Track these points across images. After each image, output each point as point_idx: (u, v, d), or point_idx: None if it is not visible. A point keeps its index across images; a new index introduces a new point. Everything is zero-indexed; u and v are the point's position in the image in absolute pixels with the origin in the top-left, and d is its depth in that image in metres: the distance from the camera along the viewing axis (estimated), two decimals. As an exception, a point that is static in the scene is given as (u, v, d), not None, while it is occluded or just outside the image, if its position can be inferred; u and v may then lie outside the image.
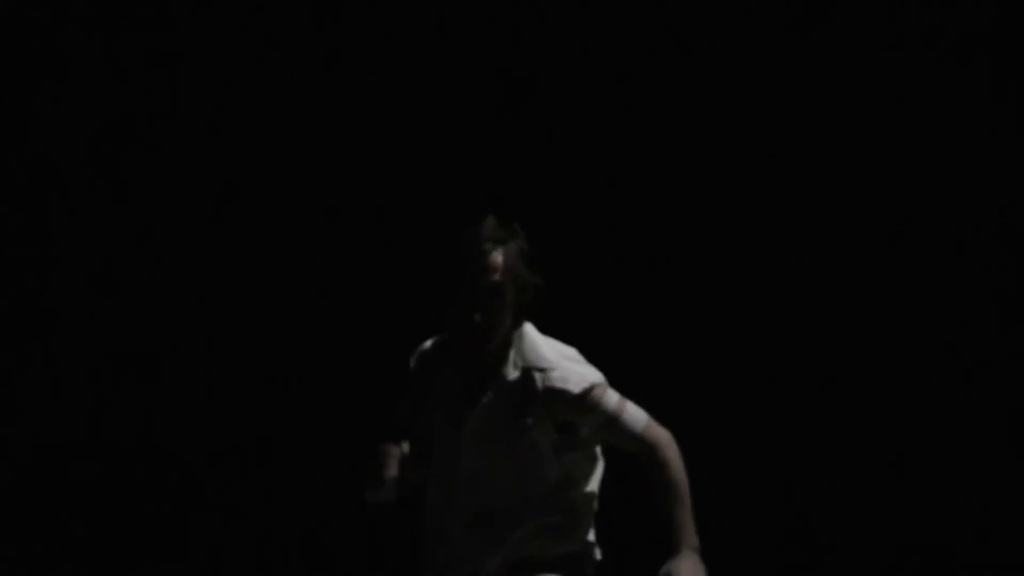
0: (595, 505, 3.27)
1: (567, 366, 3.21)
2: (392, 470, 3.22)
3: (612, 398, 3.18)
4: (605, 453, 3.29)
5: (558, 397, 3.17)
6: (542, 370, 3.20)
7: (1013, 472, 4.81)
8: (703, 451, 3.63)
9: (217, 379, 5.07)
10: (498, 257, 3.18)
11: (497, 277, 3.17)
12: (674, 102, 4.97)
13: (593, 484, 3.26)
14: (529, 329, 3.26)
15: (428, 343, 3.38)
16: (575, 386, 3.16)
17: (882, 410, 4.88)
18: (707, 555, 3.13)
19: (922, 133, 4.87)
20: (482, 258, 3.18)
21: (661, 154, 4.98)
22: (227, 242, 5.07)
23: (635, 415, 3.18)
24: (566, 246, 4.82)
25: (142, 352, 5.07)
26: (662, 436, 3.16)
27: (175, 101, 5.06)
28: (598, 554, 3.26)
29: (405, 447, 3.32)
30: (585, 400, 3.16)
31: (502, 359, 3.23)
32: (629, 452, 3.19)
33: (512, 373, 3.22)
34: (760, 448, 4.90)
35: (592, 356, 3.28)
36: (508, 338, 3.22)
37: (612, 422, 3.17)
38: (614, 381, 3.22)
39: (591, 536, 3.25)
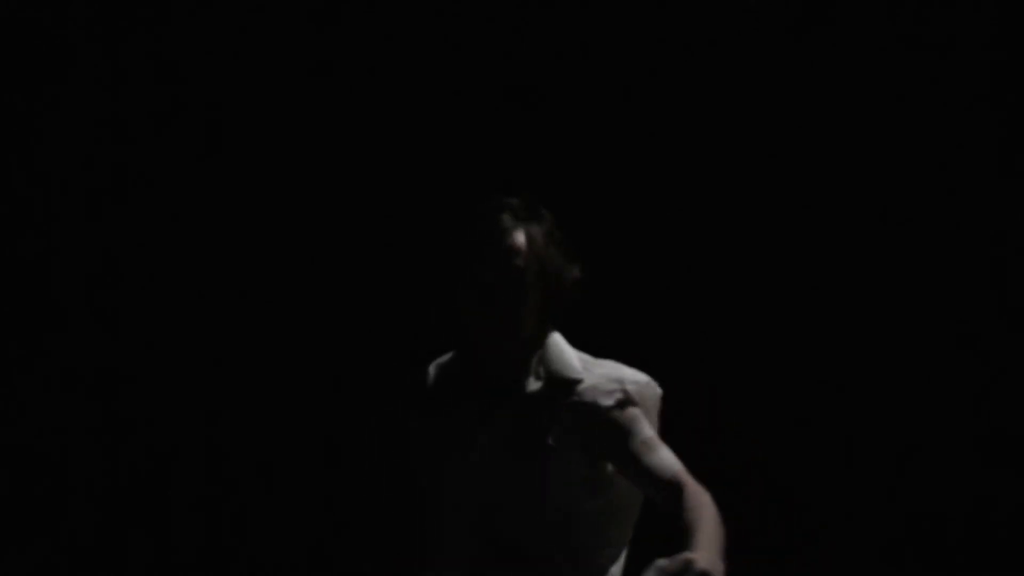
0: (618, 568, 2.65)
1: (601, 374, 2.61)
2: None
3: (646, 428, 2.56)
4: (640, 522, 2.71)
5: (588, 412, 2.56)
6: (571, 382, 2.60)
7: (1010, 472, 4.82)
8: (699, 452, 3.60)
9: (218, 380, 5.07)
10: (520, 237, 2.58)
11: (519, 261, 2.57)
12: (672, 102, 4.96)
13: (619, 545, 2.65)
14: (558, 338, 2.67)
15: (435, 367, 2.78)
16: (607, 398, 2.57)
17: (880, 412, 4.88)
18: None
19: (922, 133, 4.87)
20: (500, 237, 2.57)
21: (660, 154, 4.97)
22: (228, 242, 5.07)
23: (669, 456, 2.53)
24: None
25: (142, 352, 5.07)
26: (696, 485, 2.48)
27: (174, 101, 5.06)
28: None
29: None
30: (618, 417, 2.54)
31: (522, 368, 2.61)
32: (654, 498, 2.55)
33: (533, 384, 2.61)
34: (757, 450, 4.90)
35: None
36: (531, 343, 2.61)
37: (640, 452, 2.50)
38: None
39: None
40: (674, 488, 2.49)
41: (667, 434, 2.82)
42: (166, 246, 5.06)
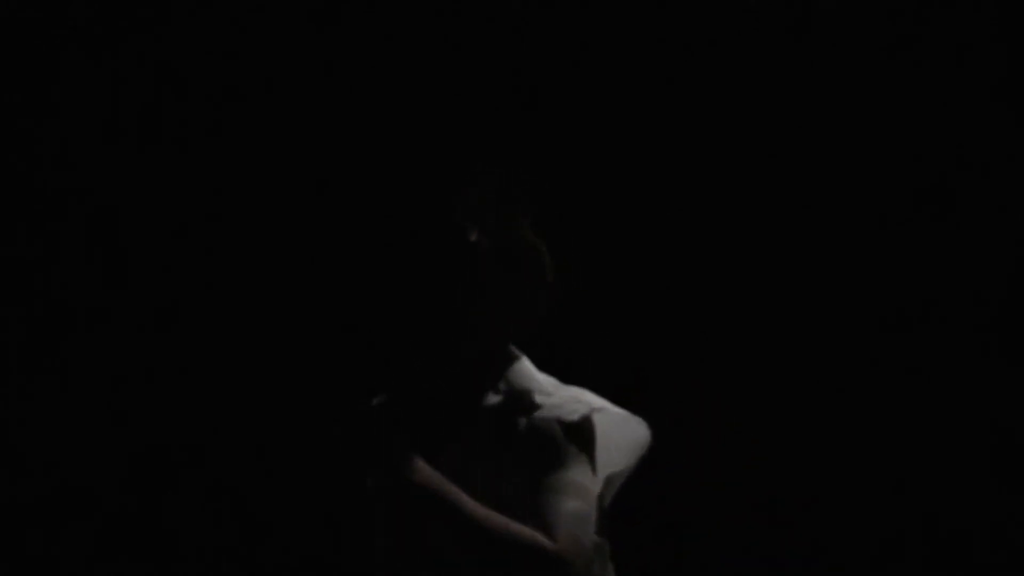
0: None
1: (569, 396, 2.27)
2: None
3: (577, 470, 2.15)
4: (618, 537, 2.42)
5: (543, 427, 2.20)
6: (533, 395, 2.26)
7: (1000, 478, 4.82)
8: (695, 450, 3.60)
9: (217, 379, 5.06)
10: (475, 231, 2.28)
11: (472, 253, 2.26)
12: (672, 102, 4.96)
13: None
14: (525, 361, 2.34)
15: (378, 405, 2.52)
16: (568, 415, 2.21)
17: (880, 413, 4.88)
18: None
19: (922, 133, 4.87)
20: (454, 229, 2.28)
21: (659, 155, 4.97)
22: (228, 241, 5.07)
23: (567, 507, 2.12)
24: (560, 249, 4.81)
25: (141, 352, 5.06)
26: (549, 542, 2.10)
27: (174, 101, 5.06)
28: None
29: None
30: (561, 440, 2.16)
31: (481, 381, 2.30)
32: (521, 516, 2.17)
33: (493, 399, 2.28)
34: (757, 450, 4.90)
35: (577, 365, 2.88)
36: (492, 353, 2.30)
37: (545, 487, 2.14)
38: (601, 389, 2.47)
39: None
40: (537, 526, 2.15)
41: (667, 435, 2.82)
42: (165, 246, 5.06)
